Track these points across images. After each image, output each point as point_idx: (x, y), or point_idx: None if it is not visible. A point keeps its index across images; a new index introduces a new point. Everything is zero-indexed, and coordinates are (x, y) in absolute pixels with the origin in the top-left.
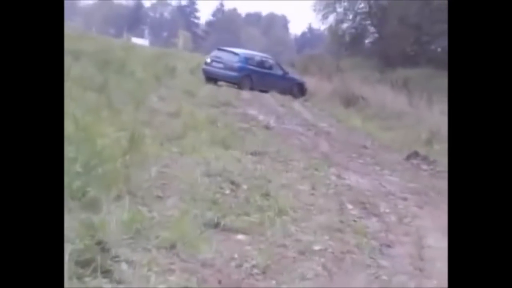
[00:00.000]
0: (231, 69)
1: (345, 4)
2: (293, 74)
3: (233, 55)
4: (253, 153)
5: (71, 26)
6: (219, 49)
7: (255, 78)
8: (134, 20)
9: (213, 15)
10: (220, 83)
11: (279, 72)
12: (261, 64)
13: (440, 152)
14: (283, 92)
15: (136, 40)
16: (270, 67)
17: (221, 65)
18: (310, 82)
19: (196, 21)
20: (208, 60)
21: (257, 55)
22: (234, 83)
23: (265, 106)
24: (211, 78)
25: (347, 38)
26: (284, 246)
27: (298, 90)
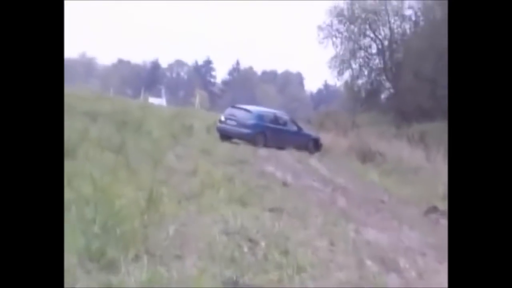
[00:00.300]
0: (245, 126)
1: (360, 60)
2: (308, 130)
3: (247, 113)
4: (271, 210)
5: (89, 88)
6: (233, 107)
7: (269, 134)
8: (151, 80)
9: (229, 73)
10: (235, 140)
11: (294, 128)
12: (275, 120)
13: None
14: (298, 148)
15: (153, 100)
16: (285, 124)
17: (234, 123)
18: (326, 138)
19: (212, 80)
20: (222, 118)
21: (271, 111)
22: (248, 140)
23: (282, 163)
24: (226, 136)
25: (363, 94)
26: None
27: (313, 145)
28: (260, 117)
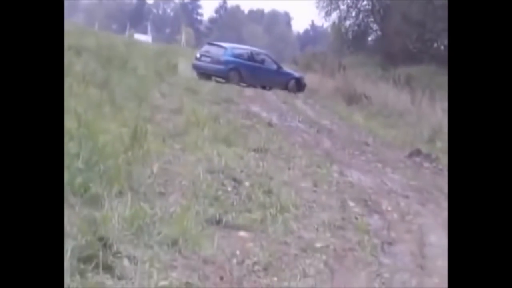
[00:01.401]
0: (218, 62)
1: (348, 1)
2: (291, 69)
3: (220, 49)
4: (256, 150)
5: (73, 22)
6: (209, 44)
7: (244, 71)
8: (137, 16)
9: (216, 12)
10: (219, 79)
11: (273, 67)
12: (251, 58)
13: (443, 149)
14: (278, 87)
15: (138, 36)
16: (262, 61)
17: (208, 59)
18: (312, 79)
19: (199, 17)
20: (198, 55)
21: (248, 48)
22: (221, 77)
23: (267, 103)
24: (202, 73)
25: (350, 36)
26: (286, 243)
27: (295, 85)
28: (234, 53)
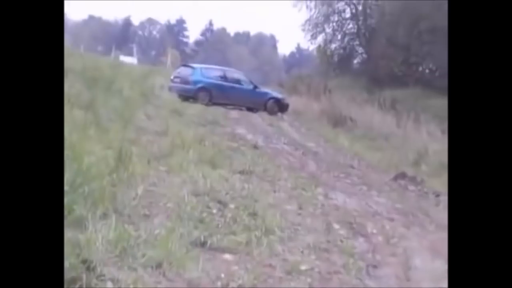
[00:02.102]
0: (187, 82)
1: (334, 24)
2: (276, 90)
3: (189, 69)
4: (241, 172)
5: None
6: (183, 66)
7: (215, 91)
8: (123, 38)
9: (202, 34)
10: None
11: (249, 87)
12: (223, 77)
13: (428, 172)
14: (255, 107)
15: (124, 58)
16: (237, 81)
17: (179, 80)
18: (298, 101)
19: (185, 39)
20: (172, 77)
21: (219, 68)
22: (191, 97)
23: (253, 126)
24: (180, 95)
25: (336, 58)
26: (271, 266)
27: (275, 105)
28: (202, 73)
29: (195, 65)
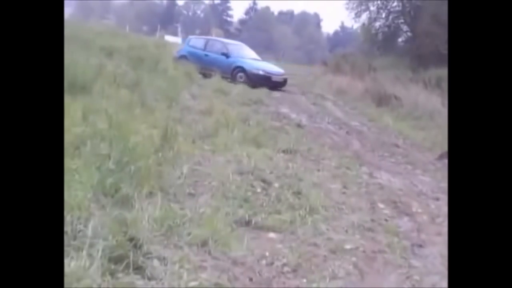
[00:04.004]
0: (177, 51)
1: (378, 2)
2: (271, 64)
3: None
4: (285, 151)
5: (105, 24)
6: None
7: (191, 58)
8: (167, 18)
9: (246, 13)
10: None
11: (223, 55)
12: (205, 46)
13: None
14: (225, 75)
15: (169, 38)
16: (222, 52)
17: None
18: (342, 80)
19: (229, 19)
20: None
21: (204, 38)
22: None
23: (296, 105)
24: None
25: (380, 37)
26: (315, 244)
27: (240, 76)
28: (189, 43)
29: (190, 36)
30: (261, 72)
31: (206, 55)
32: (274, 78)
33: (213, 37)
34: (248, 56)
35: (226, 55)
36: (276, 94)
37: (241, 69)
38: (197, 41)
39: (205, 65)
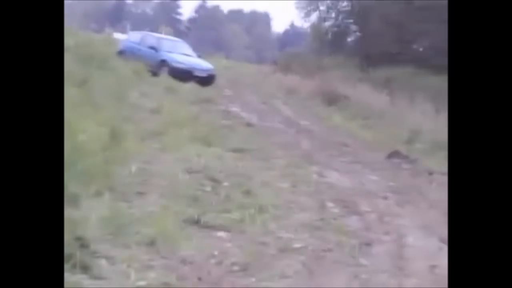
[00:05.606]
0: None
1: (328, 2)
2: (203, 61)
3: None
4: (235, 150)
5: None
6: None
7: (127, 53)
8: (116, 15)
9: (196, 11)
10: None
11: (152, 49)
12: (140, 42)
13: (421, 151)
14: (152, 69)
15: (117, 36)
16: (151, 46)
17: None
18: (292, 79)
19: (178, 17)
20: None
21: (144, 33)
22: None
23: (247, 104)
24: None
25: (330, 37)
26: (264, 243)
27: (163, 69)
28: (130, 38)
29: (131, 32)
30: (182, 66)
31: (139, 49)
32: (196, 73)
33: (150, 33)
34: (179, 52)
35: (155, 49)
36: (227, 92)
37: (165, 62)
38: (135, 36)
39: (138, 59)
